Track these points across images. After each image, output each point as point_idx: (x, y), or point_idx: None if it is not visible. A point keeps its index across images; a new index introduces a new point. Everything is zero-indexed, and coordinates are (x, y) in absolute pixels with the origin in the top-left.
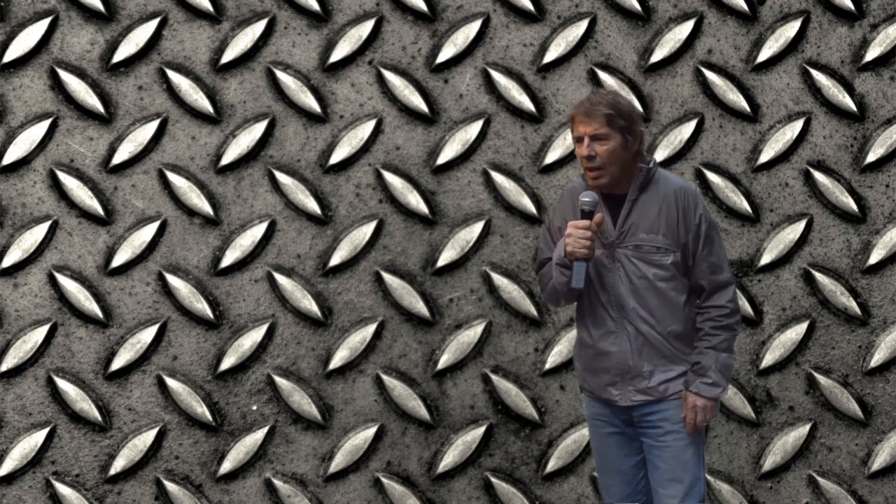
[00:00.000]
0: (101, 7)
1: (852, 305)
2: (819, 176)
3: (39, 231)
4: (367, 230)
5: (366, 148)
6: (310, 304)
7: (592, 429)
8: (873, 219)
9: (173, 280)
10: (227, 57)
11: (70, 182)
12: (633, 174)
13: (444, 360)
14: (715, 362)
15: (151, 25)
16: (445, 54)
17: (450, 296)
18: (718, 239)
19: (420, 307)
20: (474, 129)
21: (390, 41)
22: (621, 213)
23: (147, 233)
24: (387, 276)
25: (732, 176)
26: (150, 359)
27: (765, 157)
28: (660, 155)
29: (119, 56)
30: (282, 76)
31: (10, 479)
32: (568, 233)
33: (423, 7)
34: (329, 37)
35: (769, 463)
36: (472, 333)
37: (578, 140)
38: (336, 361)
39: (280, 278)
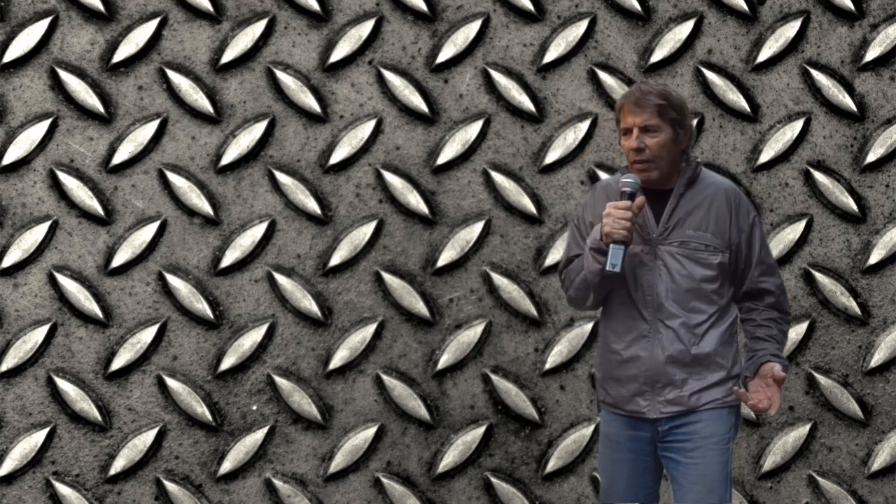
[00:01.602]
0: (101, 7)
1: (852, 305)
2: (819, 176)
3: (39, 231)
4: (367, 230)
5: (366, 148)
6: (310, 304)
7: (605, 450)
8: (873, 219)
9: (173, 280)
10: (227, 57)
11: (70, 182)
12: (679, 171)
13: (444, 360)
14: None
15: (151, 25)
16: (445, 54)
17: (450, 296)
18: (765, 240)
19: (420, 307)
20: (474, 129)
21: (390, 41)
22: (667, 208)
23: (147, 233)
24: (387, 276)
25: (732, 176)
26: (150, 359)
27: (765, 157)
28: None
29: (119, 56)
30: (282, 76)
31: (10, 479)
32: (606, 212)
33: (423, 7)
34: (329, 37)
35: (769, 463)
36: (472, 333)
37: (627, 132)
38: (336, 361)
39: (280, 278)
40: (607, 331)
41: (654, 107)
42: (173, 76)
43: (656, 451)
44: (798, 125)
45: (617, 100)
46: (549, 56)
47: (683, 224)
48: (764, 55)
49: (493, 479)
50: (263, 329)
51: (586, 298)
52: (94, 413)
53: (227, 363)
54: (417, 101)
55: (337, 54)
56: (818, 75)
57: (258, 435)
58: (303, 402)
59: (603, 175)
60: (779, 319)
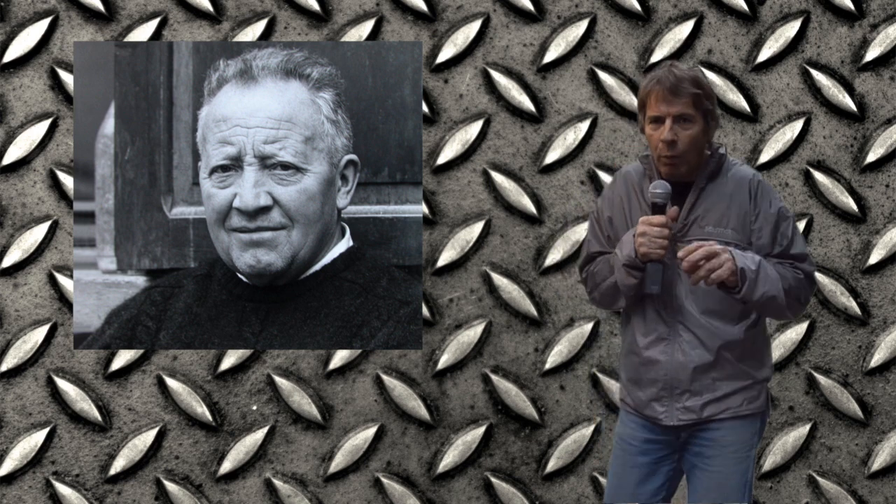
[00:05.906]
0: (101, 7)
1: (852, 305)
2: (819, 176)
3: (39, 231)
4: None
5: None
6: None
7: (618, 451)
8: (873, 219)
9: None
10: None
11: (70, 182)
12: (703, 162)
13: (444, 360)
14: (770, 268)
15: (151, 25)
16: (445, 54)
17: (450, 296)
18: (798, 232)
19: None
20: (474, 129)
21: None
22: (686, 203)
23: None
24: None
25: None
26: (150, 359)
27: (765, 157)
28: None
29: None
30: None
31: (10, 479)
32: (641, 231)
33: (423, 7)
34: (329, 37)
35: (769, 463)
36: (472, 333)
37: (657, 120)
38: (336, 361)
39: None
40: (629, 330)
41: (691, 96)
42: None
43: (672, 457)
44: (798, 125)
45: (644, 83)
46: (549, 56)
47: (703, 220)
48: (764, 55)
49: (493, 479)
50: None
51: (614, 303)
52: (94, 413)
53: (227, 363)
54: None
55: None
56: (818, 75)
57: (258, 435)
58: (303, 402)
59: (603, 176)
60: (792, 270)
